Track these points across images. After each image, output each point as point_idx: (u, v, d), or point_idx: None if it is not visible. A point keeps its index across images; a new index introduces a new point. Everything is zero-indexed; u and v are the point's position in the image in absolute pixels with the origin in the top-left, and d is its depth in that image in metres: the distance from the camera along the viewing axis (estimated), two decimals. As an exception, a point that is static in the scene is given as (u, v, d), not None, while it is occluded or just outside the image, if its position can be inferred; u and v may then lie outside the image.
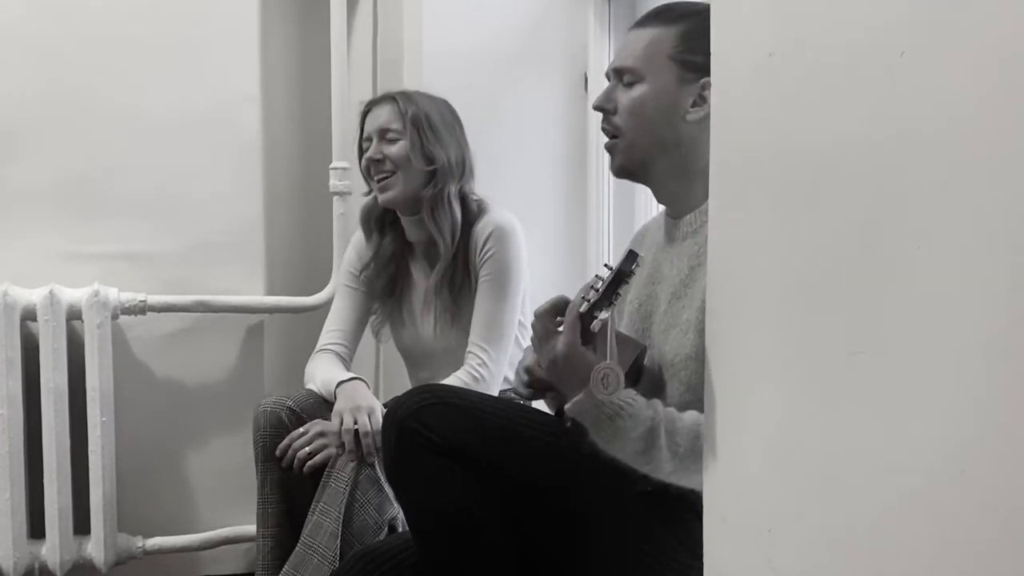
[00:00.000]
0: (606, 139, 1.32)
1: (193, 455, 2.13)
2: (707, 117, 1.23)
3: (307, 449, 1.68)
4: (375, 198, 1.85)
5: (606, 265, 1.14)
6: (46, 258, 2.02)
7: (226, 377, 2.13)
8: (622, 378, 1.09)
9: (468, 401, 1.27)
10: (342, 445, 1.63)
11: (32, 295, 1.92)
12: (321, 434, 1.69)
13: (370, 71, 2.32)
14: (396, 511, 1.63)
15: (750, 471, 0.86)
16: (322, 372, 1.82)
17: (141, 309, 2.00)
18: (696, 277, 1.23)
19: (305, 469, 1.67)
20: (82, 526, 1.96)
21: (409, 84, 2.10)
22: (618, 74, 1.30)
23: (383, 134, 1.79)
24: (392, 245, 1.88)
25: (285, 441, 1.70)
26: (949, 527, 0.62)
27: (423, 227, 1.82)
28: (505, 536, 1.26)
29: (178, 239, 2.09)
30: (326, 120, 2.22)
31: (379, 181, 1.80)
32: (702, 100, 1.24)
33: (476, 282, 1.79)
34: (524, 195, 2.10)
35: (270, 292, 2.18)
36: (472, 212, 1.83)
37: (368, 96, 2.29)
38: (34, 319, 1.92)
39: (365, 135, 1.83)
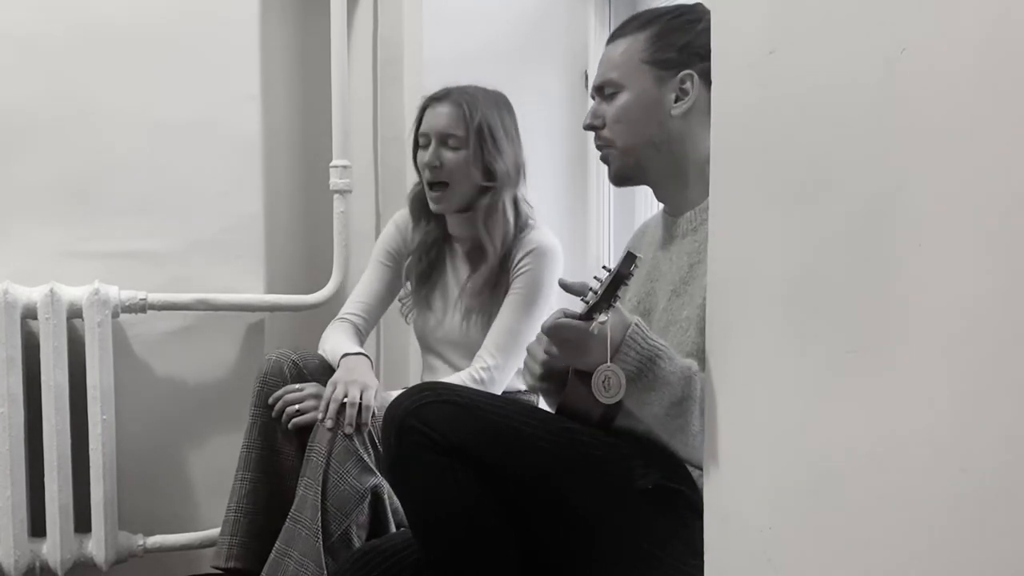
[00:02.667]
0: (600, 153, 1.35)
1: (194, 453, 2.13)
2: (692, 108, 1.26)
3: (297, 406, 1.71)
4: (419, 191, 1.87)
5: (604, 267, 1.14)
6: (46, 256, 2.02)
7: (227, 375, 2.14)
8: (623, 379, 1.09)
9: (469, 399, 1.27)
10: (326, 409, 1.64)
11: (32, 293, 1.92)
12: (315, 396, 1.72)
13: (370, 71, 2.32)
14: (379, 479, 1.64)
15: (750, 469, 0.86)
16: (333, 340, 1.85)
17: (142, 307, 2.00)
18: (696, 275, 1.24)
19: (290, 425, 1.71)
20: (83, 524, 1.96)
21: (409, 85, 2.10)
22: (599, 91, 1.33)
23: (444, 139, 1.79)
24: (435, 233, 1.90)
25: (280, 391, 1.74)
26: (949, 525, 0.62)
27: (469, 227, 1.85)
28: (505, 534, 1.26)
29: (178, 237, 2.09)
30: (326, 118, 2.22)
31: (432, 188, 1.81)
32: (683, 93, 1.27)
33: (507, 292, 1.82)
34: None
35: (270, 290, 2.19)
36: (522, 220, 1.85)
37: (368, 95, 2.31)
38: (35, 317, 1.92)
39: (422, 131, 1.83)
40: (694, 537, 0.95)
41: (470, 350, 1.84)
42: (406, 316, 1.98)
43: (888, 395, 0.67)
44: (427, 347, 1.96)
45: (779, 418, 0.81)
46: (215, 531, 2.09)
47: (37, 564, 1.94)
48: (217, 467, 2.11)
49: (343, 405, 1.64)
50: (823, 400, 0.75)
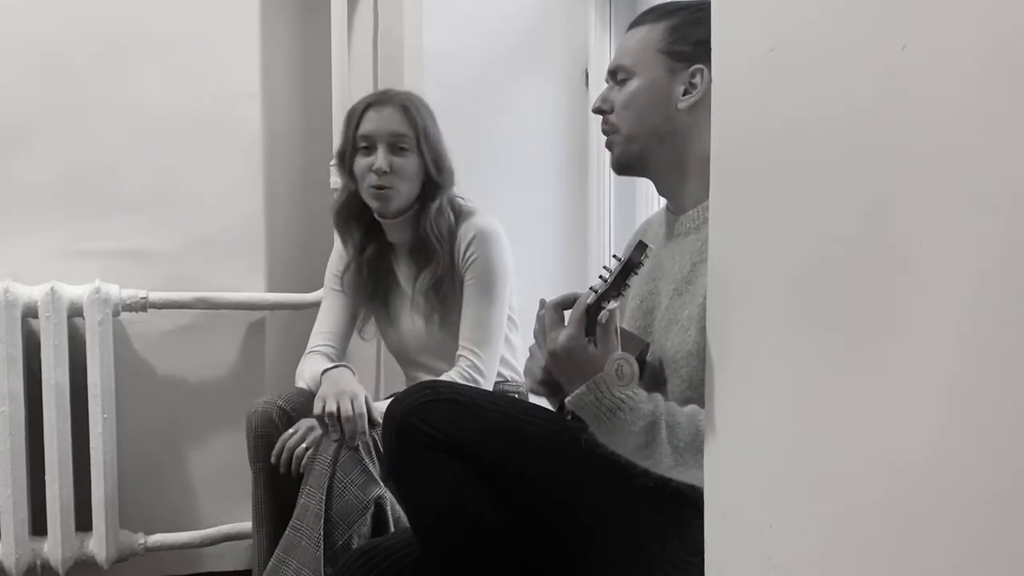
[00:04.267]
0: (605, 139, 1.35)
1: (194, 452, 2.13)
2: (700, 103, 1.25)
3: (303, 445, 1.68)
4: (349, 198, 1.85)
5: (615, 256, 1.14)
6: (47, 255, 2.02)
7: (227, 374, 2.14)
8: (636, 369, 1.09)
9: (468, 397, 1.27)
10: (325, 427, 1.63)
11: (33, 292, 1.92)
12: (312, 428, 1.69)
13: (370, 69, 2.32)
14: (382, 490, 1.63)
15: (751, 467, 0.86)
16: (310, 368, 1.83)
17: (142, 306, 2.01)
18: (698, 273, 1.24)
19: (303, 468, 1.67)
20: (84, 523, 1.97)
21: (409, 83, 2.10)
22: (613, 75, 1.33)
23: (394, 142, 1.77)
24: (374, 246, 1.88)
25: (278, 445, 1.70)
26: (949, 522, 0.62)
27: (411, 228, 1.83)
28: (505, 532, 1.26)
29: (179, 236, 2.09)
30: (326, 117, 2.22)
31: (379, 189, 1.77)
32: (692, 87, 1.27)
33: (461, 285, 1.80)
34: (525, 192, 2.10)
35: (271, 289, 2.19)
36: (458, 214, 1.83)
37: (369, 93, 2.30)
38: (35, 316, 1.92)
39: (363, 134, 1.79)
40: (694, 535, 0.95)
41: (443, 351, 1.82)
42: (359, 331, 1.95)
43: (888, 394, 0.67)
44: (403, 359, 1.95)
45: (779, 417, 0.81)
46: (216, 530, 2.10)
47: (38, 563, 1.95)
48: (218, 466, 2.11)
49: (340, 419, 1.61)
50: (823, 399, 0.75)
